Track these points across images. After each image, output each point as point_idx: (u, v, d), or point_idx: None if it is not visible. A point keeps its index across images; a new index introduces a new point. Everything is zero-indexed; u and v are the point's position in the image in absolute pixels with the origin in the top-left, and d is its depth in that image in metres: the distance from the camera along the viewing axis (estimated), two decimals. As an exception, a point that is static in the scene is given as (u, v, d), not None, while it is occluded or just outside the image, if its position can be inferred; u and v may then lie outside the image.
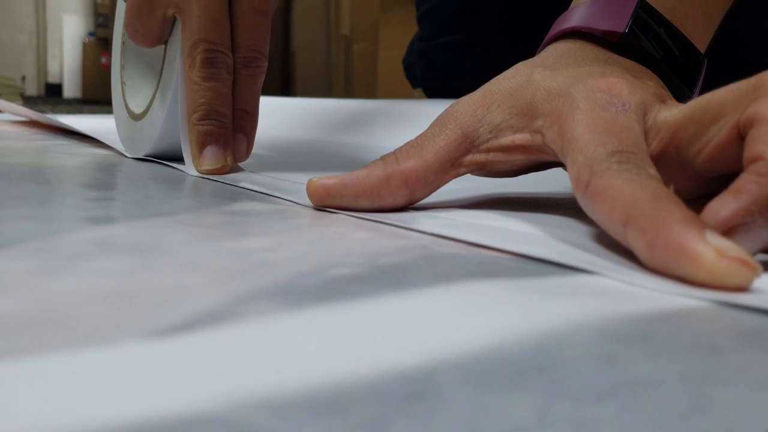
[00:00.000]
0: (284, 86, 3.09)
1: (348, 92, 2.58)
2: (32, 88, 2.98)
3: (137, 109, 0.47)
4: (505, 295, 0.18)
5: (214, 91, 0.39)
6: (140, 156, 0.47)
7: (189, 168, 0.40)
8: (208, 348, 0.13)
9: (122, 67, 0.50)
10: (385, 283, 0.18)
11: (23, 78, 2.94)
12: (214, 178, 0.38)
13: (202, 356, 0.13)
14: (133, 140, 0.48)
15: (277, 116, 0.82)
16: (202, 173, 0.38)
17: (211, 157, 0.39)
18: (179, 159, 0.42)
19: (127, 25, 0.42)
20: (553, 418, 0.11)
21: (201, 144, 0.39)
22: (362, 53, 2.30)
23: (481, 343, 0.14)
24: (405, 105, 0.71)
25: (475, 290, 0.18)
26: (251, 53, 0.40)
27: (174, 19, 0.41)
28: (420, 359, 0.13)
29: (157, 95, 0.44)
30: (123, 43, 0.50)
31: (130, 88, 0.49)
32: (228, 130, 0.39)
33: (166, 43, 0.43)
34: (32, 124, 0.84)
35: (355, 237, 0.24)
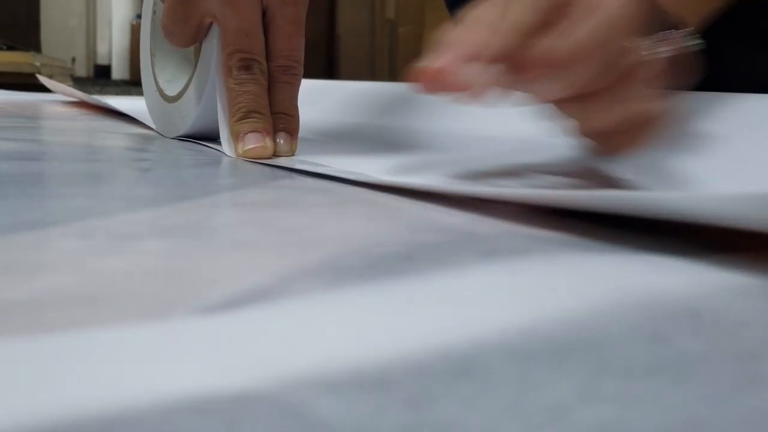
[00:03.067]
0: (328, 69, 3.09)
1: (392, 76, 2.57)
2: (82, 70, 3.03)
3: (169, 91, 0.49)
4: (550, 271, 0.18)
5: (251, 94, 0.41)
6: (172, 137, 0.49)
7: (228, 150, 0.41)
8: (256, 325, 0.14)
9: (152, 37, 0.51)
10: (429, 261, 0.18)
11: (73, 59, 2.99)
12: (259, 162, 0.38)
13: (250, 333, 0.13)
14: (164, 121, 0.51)
15: (321, 100, 0.82)
16: (244, 156, 0.39)
17: (252, 139, 0.40)
18: (213, 139, 0.44)
19: (164, 26, 0.44)
20: (598, 395, 0.11)
21: (243, 135, 0.40)
22: (407, 37, 2.29)
23: (527, 321, 0.14)
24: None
25: (520, 268, 0.18)
26: (287, 62, 0.42)
27: (211, 23, 0.43)
28: (465, 337, 0.13)
29: (191, 87, 0.46)
30: (154, 12, 0.51)
31: (160, 60, 0.51)
32: (268, 125, 0.41)
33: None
34: (81, 104, 0.86)
35: (399, 215, 0.24)
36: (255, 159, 0.39)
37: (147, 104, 0.54)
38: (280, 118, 0.42)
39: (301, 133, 0.43)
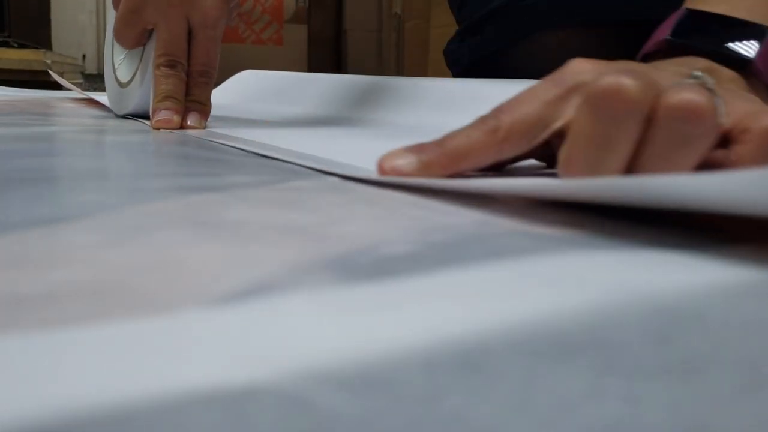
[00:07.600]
0: (336, 64, 3.09)
1: (399, 70, 2.57)
2: (92, 66, 3.04)
3: (122, 79, 0.63)
4: (559, 270, 0.18)
5: (172, 84, 0.55)
6: (122, 114, 0.64)
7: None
8: (265, 319, 0.14)
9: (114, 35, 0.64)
10: (437, 261, 0.18)
11: (83, 56, 3.00)
12: (267, 160, 0.38)
13: (258, 327, 0.13)
14: (117, 101, 0.65)
15: (328, 93, 0.82)
16: (156, 126, 0.54)
17: (163, 114, 0.54)
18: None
19: (115, 31, 0.58)
20: (604, 393, 0.11)
21: (158, 111, 0.55)
22: (414, 31, 2.28)
23: (534, 318, 0.14)
24: (455, 84, 0.71)
25: (528, 266, 0.18)
26: (203, 67, 0.57)
27: (152, 30, 0.57)
28: (472, 333, 0.13)
29: (137, 76, 0.60)
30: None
31: (117, 53, 0.64)
32: (180, 107, 0.55)
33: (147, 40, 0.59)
34: (91, 101, 0.86)
35: (407, 214, 0.24)
36: (164, 128, 0.53)
37: (106, 86, 0.68)
38: (194, 104, 0.56)
39: (308, 123, 0.43)
